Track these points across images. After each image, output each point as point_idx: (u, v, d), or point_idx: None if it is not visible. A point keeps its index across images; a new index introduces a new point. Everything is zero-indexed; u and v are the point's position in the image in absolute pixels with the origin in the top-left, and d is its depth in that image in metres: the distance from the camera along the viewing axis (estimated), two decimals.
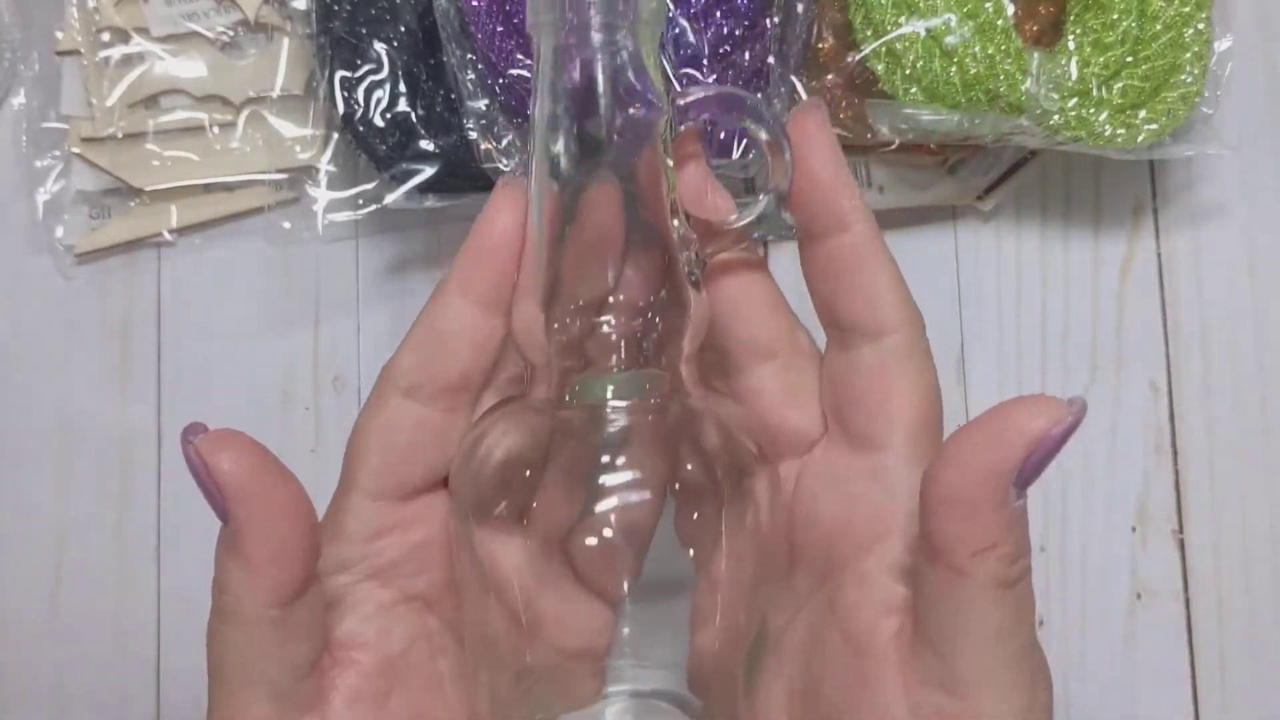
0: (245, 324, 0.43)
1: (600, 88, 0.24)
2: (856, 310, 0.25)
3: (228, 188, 0.43)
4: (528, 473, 0.25)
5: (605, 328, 0.25)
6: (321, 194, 0.41)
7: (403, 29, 0.39)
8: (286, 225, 0.42)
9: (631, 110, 0.25)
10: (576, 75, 0.24)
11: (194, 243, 0.43)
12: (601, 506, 0.24)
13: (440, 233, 0.43)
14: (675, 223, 0.25)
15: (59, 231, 0.43)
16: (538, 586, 0.25)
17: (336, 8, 0.39)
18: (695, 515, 0.25)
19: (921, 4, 0.37)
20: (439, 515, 0.26)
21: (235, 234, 0.43)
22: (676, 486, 0.24)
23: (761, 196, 0.25)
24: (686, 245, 0.25)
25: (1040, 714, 0.23)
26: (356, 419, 0.27)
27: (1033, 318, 0.42)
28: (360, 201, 0.41)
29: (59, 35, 0.42)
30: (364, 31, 0.39)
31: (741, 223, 0.26)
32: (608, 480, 0.24)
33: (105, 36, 0.42)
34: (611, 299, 0.25)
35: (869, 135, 0.38)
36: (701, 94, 0.25)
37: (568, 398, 0.25)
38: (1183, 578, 0.42)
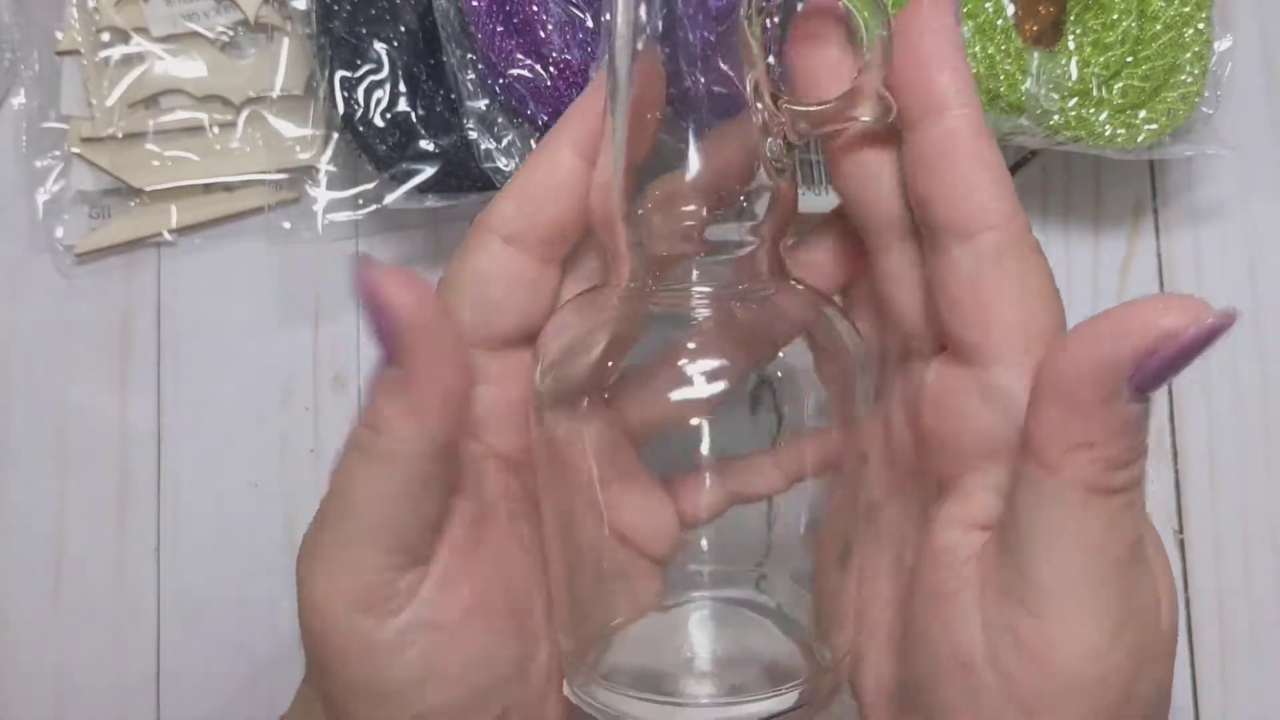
0: (245, 324, 0.43)
1: None
2: (946, 206, 0.22)
3: (228, 188, 0.43)
4: (609, 362, 0.24)
5: (688, 213, 0.24)
6: (321, 194, 0.41)
7: (403, 29, 0.39)
8: (286, 225, 0.42)
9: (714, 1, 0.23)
10: None
11: (194, 243, 0.43)
12: (682, 396, 0.23)
13: (440, 233, 0.43)
14: (759, 105, 0.24)
15: (59, 231, 0.43)
16: (617, 481, 0.24)
17: (336, 8, 0.39)
18: (785, 409, 0.24)
19: None
20: (524, 376, 0.25)
21: (235, 234, 0.43)
22: (769, 374, 0.23)
23: (860, 74, 0.23)
24: (771, 130, 0.24)
25: (1130, 649, 0.21)
26: (448, 267, 0.26)
27: None
28: (360, 201, 0.41)
29: (59, 35, 0.42)
30: (364, 31, 0.39)
31: (833, 103, 0.23)
32: (690, 371, 0.23)
33: (105, 36, 0.42)
34: (691, 183, 0.23)
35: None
36: None
37: (649, 285, 0.24)
38: (1183, 578, 0.42)
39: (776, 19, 0.25)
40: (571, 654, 0.25)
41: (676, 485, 0.25)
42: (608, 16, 0.24)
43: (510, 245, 0.25)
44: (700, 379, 0.23)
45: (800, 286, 0.25)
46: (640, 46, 0.23)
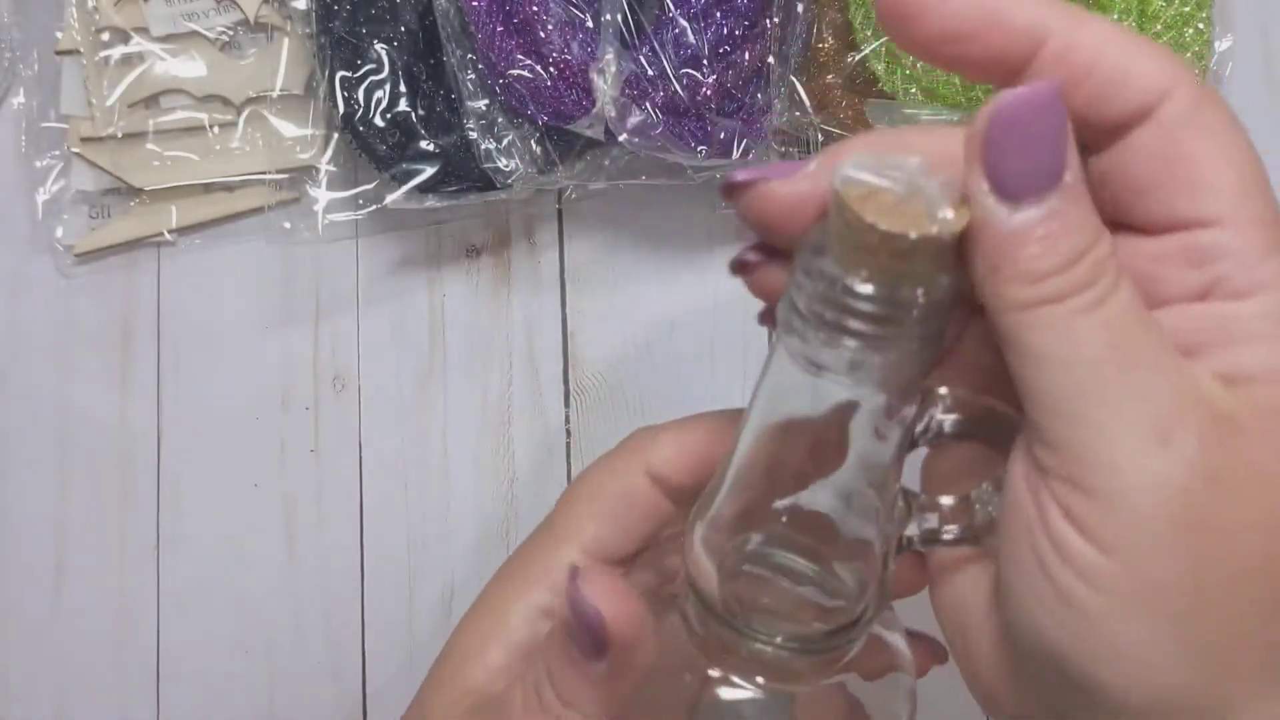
0: (245, 324, 0.43)
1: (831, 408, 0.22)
2: (1112, 100, 0.20)
3: (228, 188, 0.43)
4: (666, 695, 0.24)
5: (785, 597, 0.23)
6: (321, 194, 0.41)
7: (403, 29, 0.39)
8: (286, 225, 0.42)
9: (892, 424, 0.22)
10: (814, 390, 0.21)
11: (194, 243, 0.43)
12: None
13: (440, 233, 0.43)
14: (898, 503, 0.23)
15: (59, 231, 0.43)
16: None
17: (336, 8, 0.39)
18: None
19: None
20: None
21: (235, 234, 0.43)
22: None
23: (978, 507, 0.23)
24: (896, 524, 0.23)
25: (1182, 457, 0.18)
26: (595, 465, 0.28)
27: None
28: (360, 201, 0.41)
29: (59, 35, 0.42)
30: (364, 31, 0.39)
31: (955, 527, 0.23)
32: None
33: (105, 36, 0.42)
34: (798, 555, 0.23)
35: None
36: (959, 423, 0.22)
37: (729, 637, 0.23)
38: None
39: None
40: None
41: None
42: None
43: (650, 479, 0.27)
44: None
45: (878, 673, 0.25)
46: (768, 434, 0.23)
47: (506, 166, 0.38)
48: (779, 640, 0.23)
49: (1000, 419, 0.22)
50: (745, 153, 0.38)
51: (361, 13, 0.39)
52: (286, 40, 0.42)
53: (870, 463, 0.22)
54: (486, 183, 0.38)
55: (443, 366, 0.43)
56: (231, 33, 0.43)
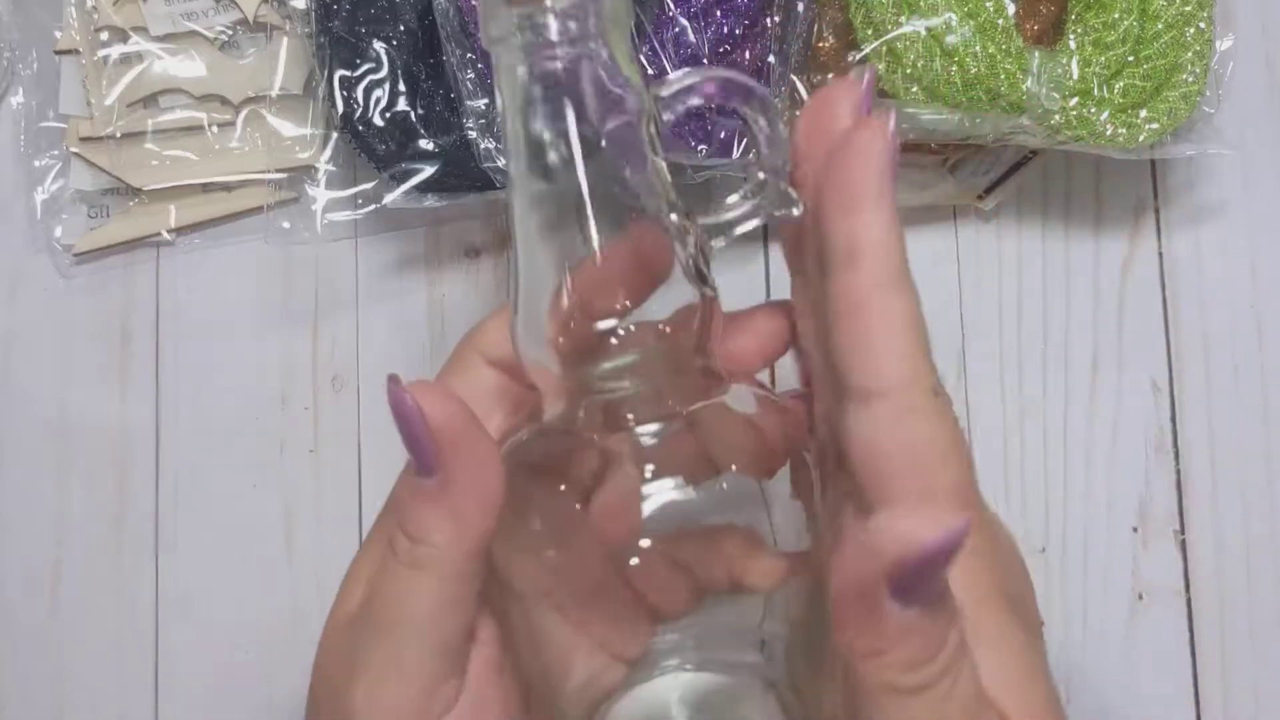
0: (245, 324, 0.43)
1: (571, 100, 0.23)
2: (849, 367, 0.22)
3: (227, 187, 0.43)
4: (562, 500, 0.24)
5: (618, 347, 0.24)
6: (321, 194, 0.41)
7: (403, 29, 0.39)
8: (286, 225, 0.42)
9: (611, 114, 0.23)
10: (543, 91, 0.23)
11: (193, 243, 0.43)
12: (645, 527, 0.23)
13: (440, 233, 0.43)
14: (673, 217, 0.24)
15: (58, 231, 0.43)
16: (582, 613, 0.24)
17: (336, 7, 0.39)
18: (737, 527, 0.24)
19: (922, 3, 0.37)
20: None
21: (235, 234, 0.43)
22: (721, 488, 0.23)
23: (761, 174, 0.24)
24: (686, 238, 0.24)
25: None
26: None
27: (1034, 317, 0.42)
28: (360, 201, 0.41)
29: (58, 35, 0.42)
30: (364, 31, 0.39)
31: (740, 206, 0.25)
32: (645, 503, 0.23)
33: (104, 36, 0.42)
34: (616, 304, 0.24)
35: None
36: (682, 83, 0.24)
37: (587, 420, 0.24)
38: (1184, 578, 0.41)
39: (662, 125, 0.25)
40: None
41: (653, 609, 0.25)
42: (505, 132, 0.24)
43: (493, 367, 0.26)
44: (658, 509, 0.23)
45: (740, 393, 0.25)
46: (538, 198, 0.24)
47: (506, 166, 0.38)
48: (632, 361, 0.24)
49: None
50: (745, 151, 0.38)
51: (361, 12, 0.39)
52: (285, 40, 0.42)
53: (622, 144, 0.23)
54: (486, 183, 0.38)
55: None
56: (230, 32, 0.43)
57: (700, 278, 0.24)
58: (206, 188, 0.43)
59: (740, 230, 0.25)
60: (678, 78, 0.24)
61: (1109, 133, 0.37)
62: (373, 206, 0.40)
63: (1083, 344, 0.42)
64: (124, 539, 0.42)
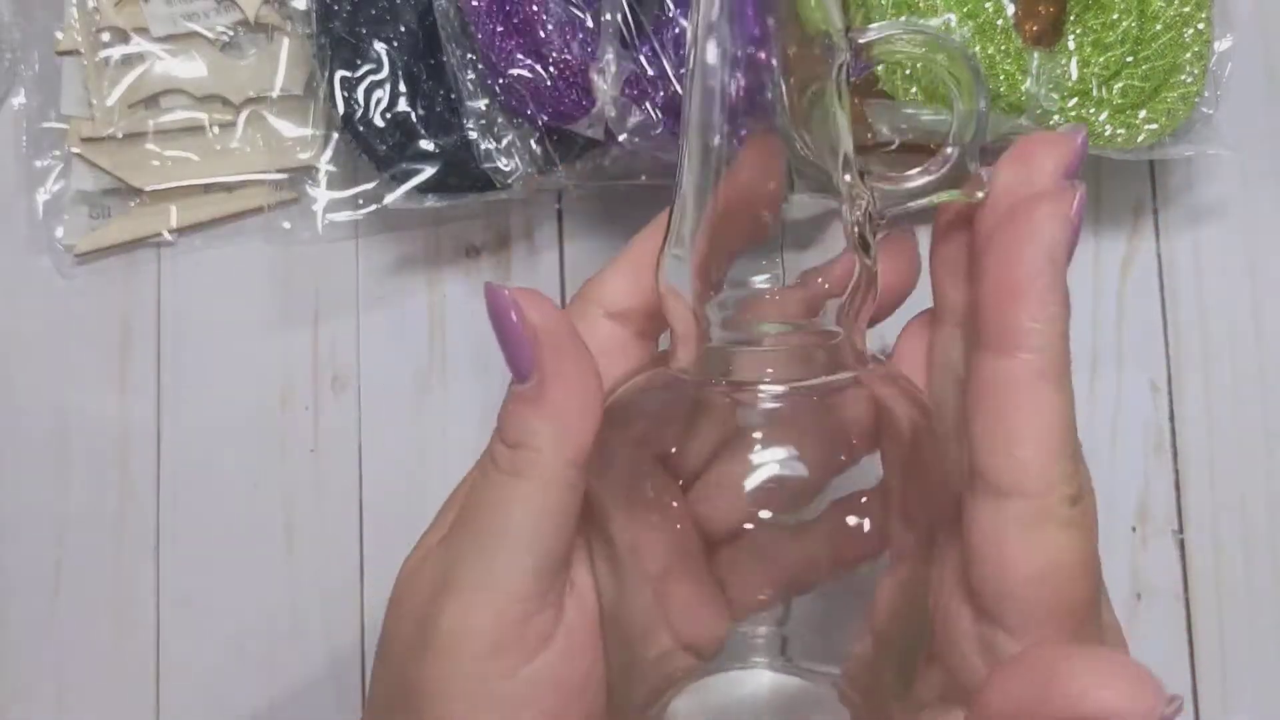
0: (245, 324, 0.43)
1: (764, 23, 0.22)
2: (988, 457, 0.21)
3: (227, 188, 0.43)
4: (674, 450, 0.23)
5: (761, 293, 0.22)
6: (321, 194, 0.41)
7: (403, 29, 0.39)
8: (286, 225, 0.42)
9: (798, 48, 0.21)
10: (737, 9, 0.21)
11: (194, 243, 0.43)
12: (751, 497, 0.22)
13: (440, 233, 0.43)
14: (847, 178, 0.22)
15: (59, 231, 0.43)
16: (673, 573, 0.23)
17: (336, 8, 0.39)
18: (852, 520, 0.22)
19: (921, 4, 0.37)
20: None
21: (235, 234, 0.43)
22: (837, 474, 0.22)
23: (949, 149, 0.22)
24: (857, 203, 0.23)
25: None
26: None
27: None
28: (360, 201, 0.41)
29: (59, 35, 0.42)
30: (364, 31, 0.39)
31: (923, 179, 0.23)
32: (758, 479, 0.22)
33: (105, 36, 0.42)
34: (766, 259, 0.22)
35: (869, 135, 0.38)
36: (886, 31, 0.22)
37: (717, 370, 0.22)
38: (1183, 578, 0.41)
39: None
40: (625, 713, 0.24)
41: (742, 585, 0.24)
42: (689, 78, 0.22)
43: (613, 320, 0.25)
44: (767, 481, 0.22)
45: (880, 378, 0.23)
46: (710, 134, 0.22)
47: (506, 166, 0.38)
48: (771, 315, 0.22)
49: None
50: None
51: (361, 13, 0.39)
52: (286, 40, 0.42)
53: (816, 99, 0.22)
54: (486, 183, 0.38)
55: (442, 366, 0.43)
56: (231, 33, 0.43)
57: (863, 246, 0.23)
58: (208, 188, 0.43)
59: (916, 204, 0.23)
60: (879, 27, 0.23)
61: (1108, 133, 0.37)
62: (373, 207, 0.41)
63: (1081, 344, 0.42)
64: (124, 539, 0.42)
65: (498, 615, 0.22)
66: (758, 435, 0.22)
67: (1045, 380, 0.20)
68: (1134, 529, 0.42)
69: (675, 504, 0.23)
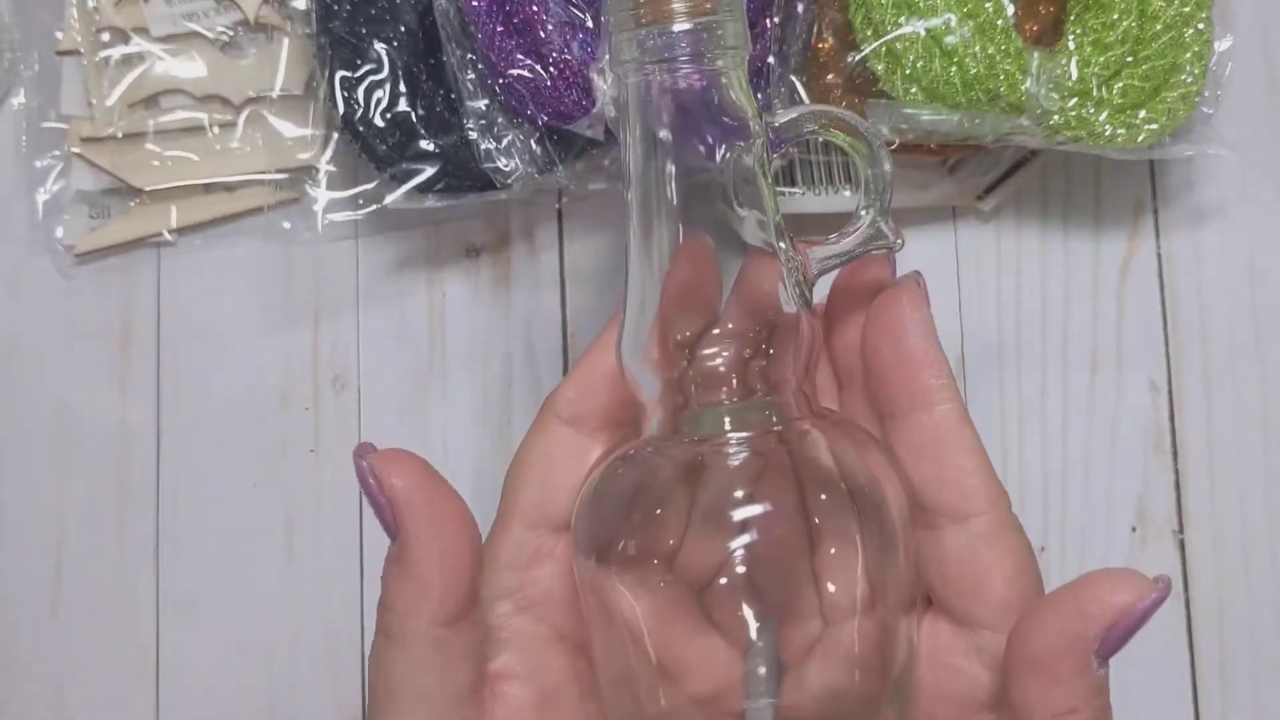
0: (245, 324, 0.43)
1: (693, 120, 0.25)
2: (937, 490, 0.25)
3: (228, 188, 0.43)
4: (657, 511, 0.24)
5: (715, 359, 0.25)
6: (321, 194, 0.41)
7: (403, 29, 0.39)
8: (286, 225, 0.42)
9: (727, 138, 0.25)
10: (668, 110, 0.25)
11: (194, 243, 0.43)
12: (735, 544, 0.24)
13: (440, 233, 0.43)
14: (781, 245, 0.25)
15: (59, 231, 0.43)
16: (669, 629, 0.25)
17: (336, 8, 0.39)
18: (832, 548, 0.24)
19: (921, 4, 0.37)
20: None
21: (235, 234, 0.43)
22: (812, 519, 0.24)
23: (863, 213, 0.26)
24: (793, 268, 0.25)
25: None
26: (518, 449, 0.28)
27: (1033, 317, 0.42)
28: (360, 201, 0.41)
29: (59, 35, 0.42)
30: (364, 31, 0.39)
31: (847, 241, 0.26)
32: (738, 516, 0.24)
33: (105, 36, 0.42)
34: (719, 329, 0.25)
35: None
36: (795, 113, 0.26)
37: (684, 433, 0.25)
38: (1183, 578, 0.41)
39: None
40: None
41: (733, 628, 0.26)
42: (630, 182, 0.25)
43: (569, 426, 0.27)
44: (748, 526, 0.24)
45: (834, 423, 0.26)
46: (652, 220, 0.25)
47: (506, 166, 0.38)
48: (730, 393, 0.25)
49: None
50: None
51: (361, 13, 0.39)
52: (286, 40, 0.42)
53: (742, 169, 0.25)
54: (486, 183, 0.38)
55: (442, 366, 0.43)
56: (231, 33, 0.43)
57: (805, 303, 0.25)
58: (208, 188, 0.43)
59: (843, 264, 0.27)
60: (787, 111, 0.26)
61: (1108, 133, 0.37)
62: (373, 207, 0.41)
63: (1081, 344, 0.42)
64: (124, 538, 0.42)
65: None
66: (728, 483, 0.24)
67: (964, 421, 0.26)
68: (1134, 529, 0.42)
69: (658, 562, 0.25)
